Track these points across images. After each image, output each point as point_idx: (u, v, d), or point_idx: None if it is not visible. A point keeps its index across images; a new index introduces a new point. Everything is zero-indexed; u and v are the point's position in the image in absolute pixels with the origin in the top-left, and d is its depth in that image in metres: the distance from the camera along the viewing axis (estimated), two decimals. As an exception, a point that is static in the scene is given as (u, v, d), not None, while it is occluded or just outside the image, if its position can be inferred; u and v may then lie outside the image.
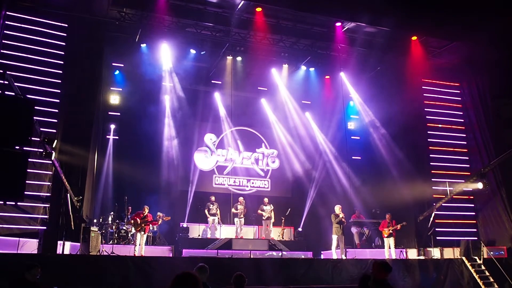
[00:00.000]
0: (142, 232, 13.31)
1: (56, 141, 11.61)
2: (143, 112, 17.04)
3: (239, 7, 15.10)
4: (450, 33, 16.45)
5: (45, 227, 12.24)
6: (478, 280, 13.59)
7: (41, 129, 11.38)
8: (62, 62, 14.22)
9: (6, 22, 13.37)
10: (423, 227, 16.09)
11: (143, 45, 16.59)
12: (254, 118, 20.12)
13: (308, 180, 19.57)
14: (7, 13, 13.35)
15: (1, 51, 13.17)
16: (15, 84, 10.36)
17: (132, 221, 13.62)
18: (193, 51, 17.22)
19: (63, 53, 14.31)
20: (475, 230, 17.13)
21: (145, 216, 13.48)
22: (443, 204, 16.01)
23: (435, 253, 15.40)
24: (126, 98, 17.68)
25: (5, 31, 13.29)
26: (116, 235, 14.38)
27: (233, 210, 16.95)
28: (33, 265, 7.46)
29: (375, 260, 10.39)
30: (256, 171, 20.09)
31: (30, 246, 11.59)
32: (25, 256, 10.51)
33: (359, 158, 19.99)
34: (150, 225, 13.89)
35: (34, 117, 9.17)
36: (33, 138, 9.74)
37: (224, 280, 9.19)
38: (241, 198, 17.13)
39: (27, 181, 8.76)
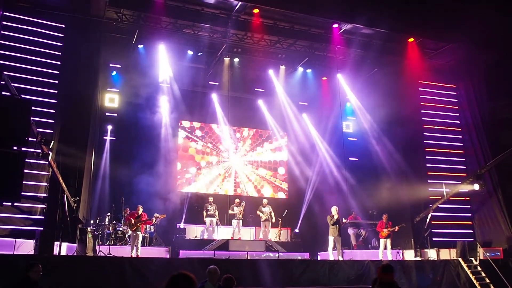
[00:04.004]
0: (138, 232, 13.27)
1: (53, 141, 11.60)
2: (140, 113, 17.04)
3: (236, 8, 15.10)
4: (446, 35, 16.51)
5: (41, 228, 12.18)
6: (474, 281, 13.61)
7: (38, 129, 11.37)
8: (59, 63, 14.24)
9: (3, 23, 13.33)
10: (419, 228, 16.12)
11: (140, 46, 16.60)
12: (251, 119, 20.12)
13: (305, 181, 19.57)
14: (4, 13, 13.33)
15: (-2, 51, 13.17)
16: (12, 84, 10.34)
17: (127, 222, 13.60)
18: (190, 52, 17.25)
19: (60, 53, 14.32)
20: (471, 231, 17.18)
21: (139, 216, 13.44)
22: (439, 205, 16.06)
23: (432, 254, 15.42)
24: (123, 99, 17.66)
25: (2, 32, 13.25)
26: (113, 236, 14.36)
27: (229, 211, 16.93)
28: (35, 263, 7.37)
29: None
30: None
31: (27, 247, 11.53)
32: (22, 257, 10.48)
33: (356, 159, 20.00)
34: (146, 225, 13.87)
35: (31, 118, 9.14)
36: (30, 139, 9.73)
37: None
38: (237, 200, 17.00)
39: (24, 182, 8.72)
